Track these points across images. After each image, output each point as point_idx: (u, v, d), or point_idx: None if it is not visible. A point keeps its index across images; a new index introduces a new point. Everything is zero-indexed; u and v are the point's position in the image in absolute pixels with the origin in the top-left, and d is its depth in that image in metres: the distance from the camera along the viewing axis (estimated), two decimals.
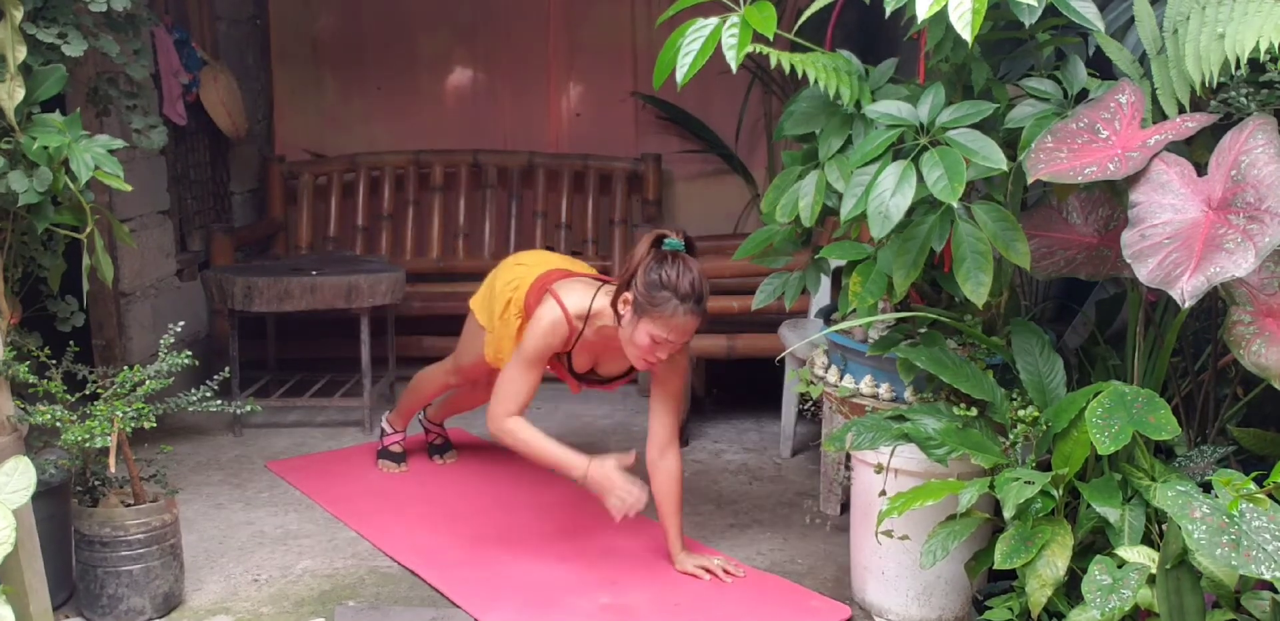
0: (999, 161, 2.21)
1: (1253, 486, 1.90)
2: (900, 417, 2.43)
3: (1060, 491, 2.23)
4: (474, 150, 5.16)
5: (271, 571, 2.95)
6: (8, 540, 2.11)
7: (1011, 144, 2.36)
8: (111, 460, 2.55)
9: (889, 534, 2.44)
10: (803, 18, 2.34)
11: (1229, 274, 1.92)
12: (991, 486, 2.23)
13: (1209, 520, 1.83)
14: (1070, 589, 2.22)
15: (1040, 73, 2.45)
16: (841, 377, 2.73)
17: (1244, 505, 1.85)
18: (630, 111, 5.30)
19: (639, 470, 2.83)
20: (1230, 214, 2.01)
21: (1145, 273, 2.01)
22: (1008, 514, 2.15)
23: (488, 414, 2.88)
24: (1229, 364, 2.49)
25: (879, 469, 2.54)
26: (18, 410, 2.52)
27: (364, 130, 5.30)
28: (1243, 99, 2.13)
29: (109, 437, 2.51)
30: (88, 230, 2.56)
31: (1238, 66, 2.04)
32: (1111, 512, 2.16)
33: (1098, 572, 2.01)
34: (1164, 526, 2.11)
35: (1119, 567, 2.02)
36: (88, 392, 2.64)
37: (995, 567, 2.22)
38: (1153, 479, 2.24)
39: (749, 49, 2.24)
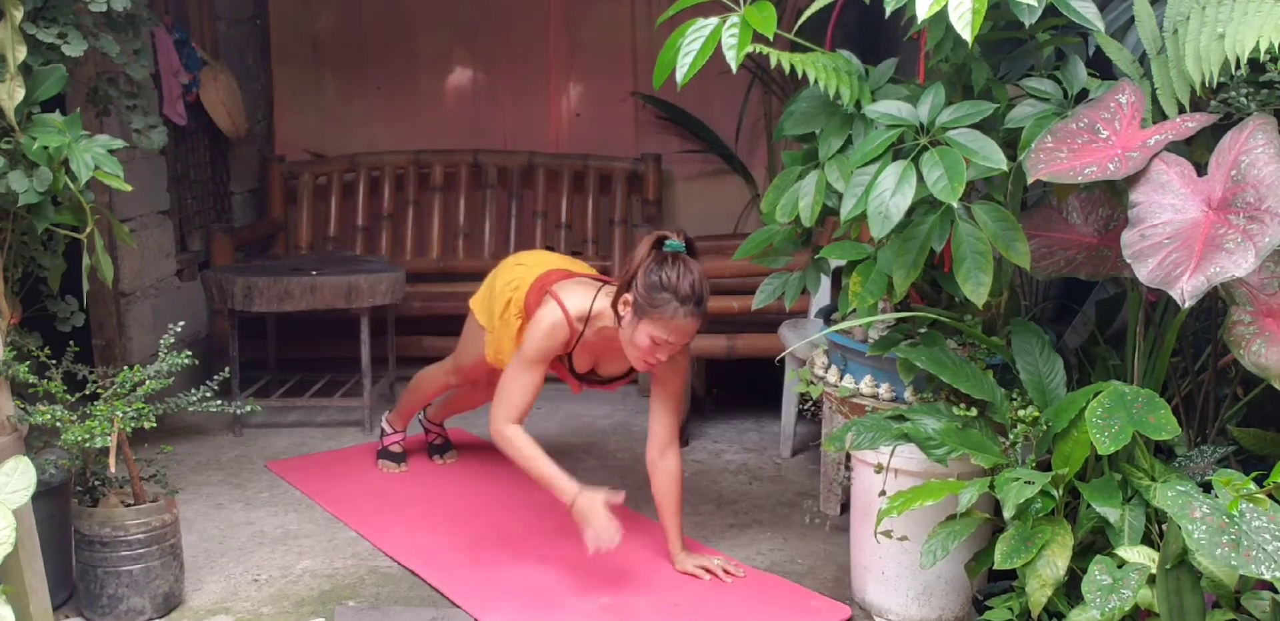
0: (999, 161, 2.21)
1: (1253, 486, 1.90)
2: (900, 417, 2.43)
3: (1060, 491, 2.23)
4: (474, 150, 5.16)
5: (271, 571, 2.95)
6: (8, 540, 2.11)
7: (1011, 144, 2.36)
8: (111, 460, 2.55)
9: (888, 534, 2.44)
10: (803, 18, 2.34)
11: (1229, 274, 1.92)
12: (991, 486, 2.23)
13: (1209, 520, 1.83)
14: (1070, 589, 2.22)
15: (1040, 73, 2.45)
16: (841, 377, 2.73)
17: (1244, 505, 1.85)
18: (630, 111, 5.30)
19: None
20: (1230, 214, 2.01)
21: (1145, 273, 2.01)
22: (1008, 514, 2.15)
23: (490, 416, 2.88)
24: (1229, 364, 2.49)
25: (879, 469, 2.54)
26: (18, 410, 2.52)
27: (364, 130, 5.30)
28: (1243, 99, 2.13)
29: (109, 437, 2.51)
30: (88, 230, 2.56)
31: (1238, 66, 2.04)
32: (1111, 512, 2.16)
33: (1098, 572, 2.01)
34: (1164, 526, 2.11)
35: (1119, 567, 2.02)
36: (88, 392, 2.64)
37: (995, 567, 2.22)
38: (1153, 479, 2.24)
39: (749, 49, 2.24)
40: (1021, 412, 2.38)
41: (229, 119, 4.66)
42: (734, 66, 2.25)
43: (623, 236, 5.06)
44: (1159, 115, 2.25)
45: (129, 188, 2.58)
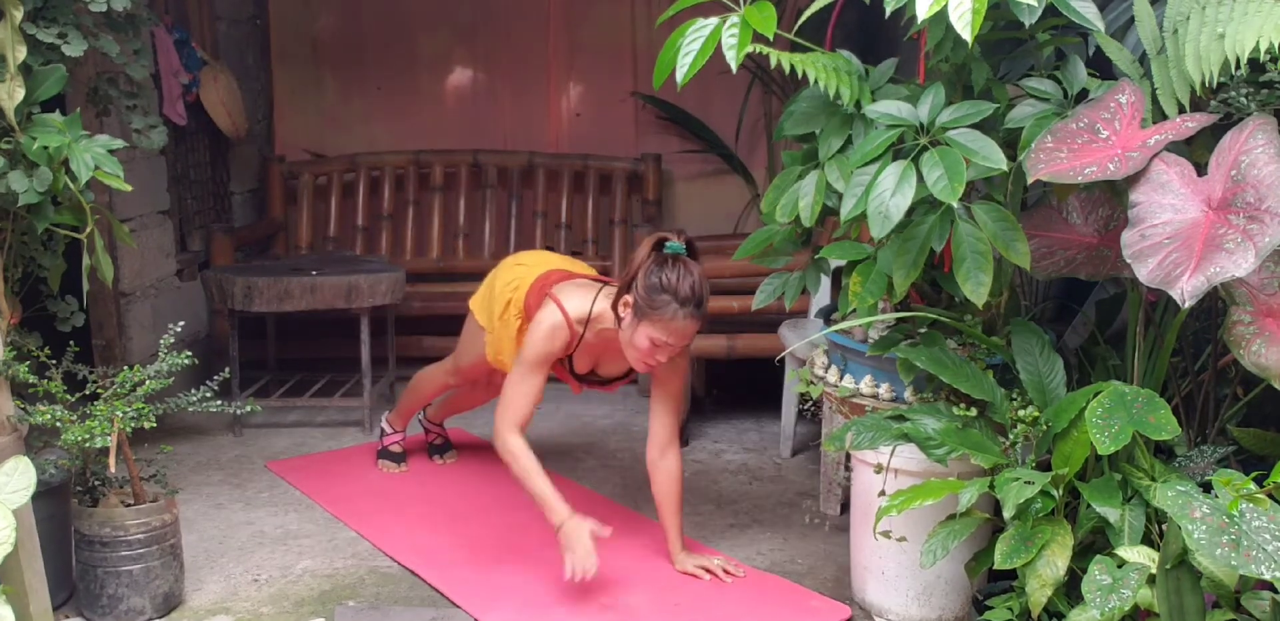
0: (999, 161, 2.21)
1: (1253, 486, 1.90)
2: (900, 417, 2.43)
3: (1060, 491, 2.23)
4: (474, 150, 5.16)
5: (271, 571, 2.95)
6: (8, 540, 2.11)
7: (1011, 144, 2.36)
8: (111, 460, 2.55)
9: (887, 534, 2.44)
10: (803, 18, 2.34)
11: (1229, 274, 1.92)
12: (991, 486, 2.23)
13: (1209, 520, 1.83)
14: (1070, 589, 2.22)
15: (1040, 73, 2.45)
16: (841, 377, 2.73)
17: (1244, 505, 1.85)
18: (630, 111, 5.30)
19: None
20: (1230, 214, 2.01)
21: (1145, 273, 2.01)
22: (1008, 514, 2.15)
23: (495, 421, 2.87)
24: (1229, 364, 2.49)
25: (879, 469, 2.54)
26: (18, 410, 2.52)
27: (364, 130, 5.30)
28: (1243, 99, 2.13)
29: (109, 437, 2.51)
30: (88, 230, 2.56)
31: (1238, 66, 2.04)
32: (1111, 512, 2.16)
33: (1098, 572, 2.01)
34: (1164, 526, 2.11)
35: (1119, 567, 2.02)
36: (88, 392, 2.64)
37: (995, 567, 2.22)
38: (1153, 479, 2.24)
39: (749, 49, 2.24)
40: (1021, 412, 2.38)
41: (229, 119, 4.66)
42: (734, 66, 2.25)
43: (623, 236, 5.06)
44: (1159, 115, 2.25)
45: (129, 188, 2.58)
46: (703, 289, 2.64)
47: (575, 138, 5.30)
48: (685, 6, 2.36)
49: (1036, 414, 2.37)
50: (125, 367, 2.64)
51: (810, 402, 3.13)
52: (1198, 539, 1.81)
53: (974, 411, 2.42)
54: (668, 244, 2.69)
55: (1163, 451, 2.44)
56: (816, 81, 2.32)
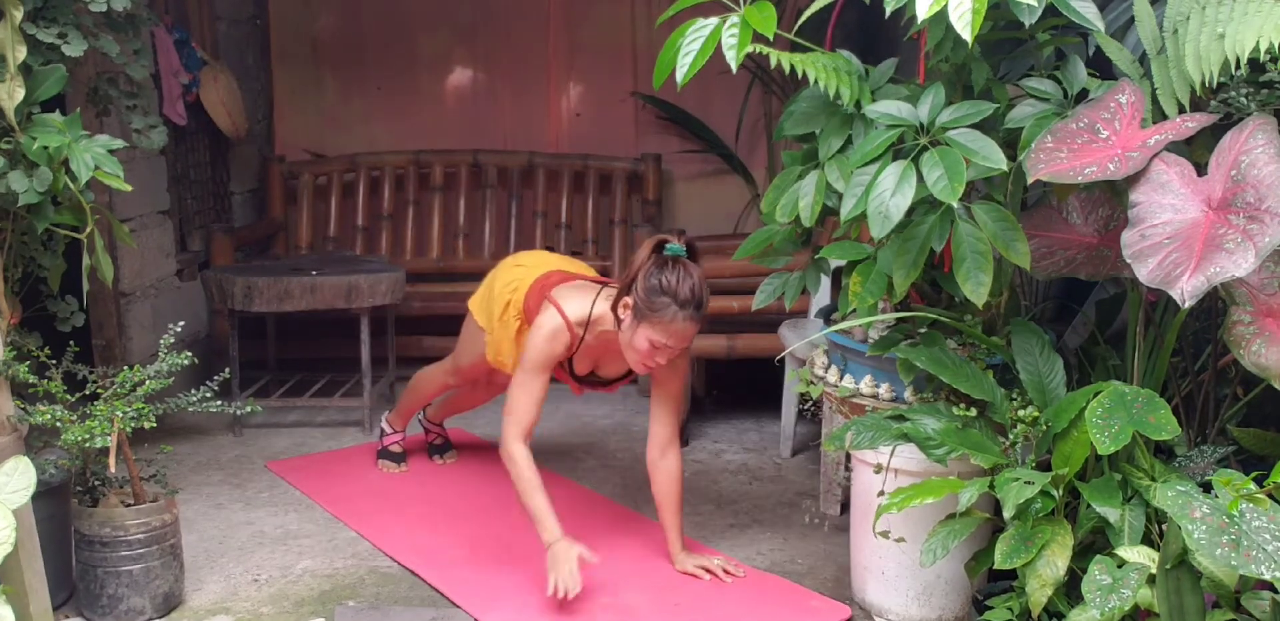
0: (999, 161, 2.21)
1: (1253, 486, 1.90)
2: (900, 417, 2.43)
3: (1060, 491, 2.23)
4: (474, 150, 5.16)
5: (271, 571, 2.95)
6: (8, 540, 2.11)
7: (1011, 144, 2.36)
8: (111, 460, 2.55)
9: (885, 534, 2.44)
10: (803, 18, 2.34)
11: (1229, 274, 1.92)
12: (991, 486, 2.23)
13: (1209, 520, 1.83)
14: (1070, 589, 2.22)
15: (1040, 73, 2.45)
16: (841, 377, 2.73)
17: (1244, 505, 1.85)
18: (630, 111, 5.30)
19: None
20: (1230, 214, 2.01)
21: (1145, 273, 2.01)
22: (1008, 514, 2.15)
23: (502, 429, 2.86)
24: (1229, 364, 2.49)
25: (879, 469, 2.54)
26: (18, 410, 2.52)
27: (364, 130, 5.30)
28: (1243, 99, 2.13)
29: (109, 437, 2.51)
30: (88, 230, 2.56)
31: (1238, 66, 2.04)
32: (1111, 512, 2.16)
33: (1098, 572, 2.01)
34: (1164, 526, 2.11)
35: (1119, 567, 2.02)
36: (88, 392, 2.64)
37: (995, 567, 2.23)
38: (1153, 479, 2.24)
39: (749, 49, 2.24)
40: (1021, 412, 2.38)
41: (229, 119, 4.66)
42: (734, 66, 2.25)
43: (623, 236, 5.07)
44: (1159, 115, 2.25)
45: (129, 188, 2.58)
46: (702, 291, 2.64)
47: (575, 138, 5.30)
48: (685, 6, 2.36)
49: (1036, 414, 2.37)
50: (125, 367, 2.64)
51: (810, 402, 3.13)
52: (1198, 539, 1.81)
53: (974, 411, 2.42)
54: (668, 246, 2.69)
55: (1163, 451, 2.44)
56: (816, 81, 2.32)
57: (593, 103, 5.31)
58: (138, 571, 2.62)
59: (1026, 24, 2.23)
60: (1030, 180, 2.19)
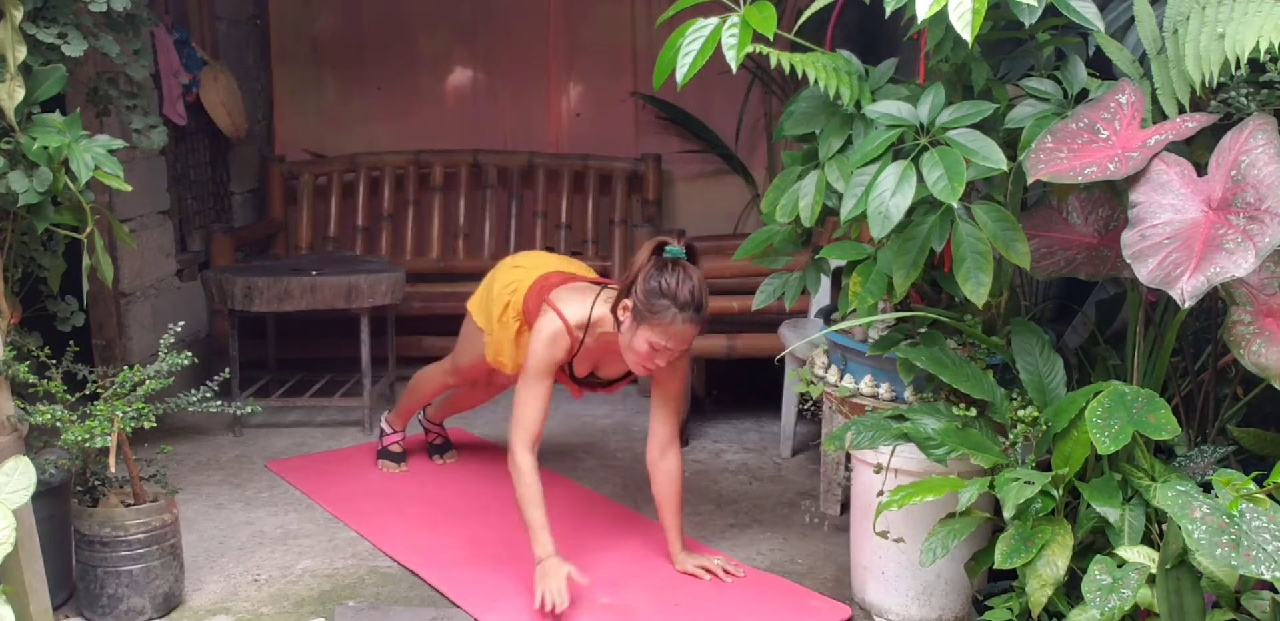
0: (999, 161, 2.21)
1: (1253, 486, 1.90)
2: (900, 417, 2.43)
3: (1060, 491, 2.23)
4: (474, 150, 5.16)
5: (271, 571, 2.95)
6: (8, 540, 2.11)
7: (1011, 144, 2.36)
8: (111, 460, 2.55)
9: (885, 534, 2.44)
10: (803, 18, 2.34)
11: (1229, 274, 1.92)
12: (991, 486, 2.23)
13: (1209, 520, 1.83)
14: (1070, 589, 2.22)
15: (1040, 73, 2.45)
16: (841, 377, 2.73)
17: (1244, 505, 1.85)
18: (630, 111, 5.30)
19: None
20: (1230, 214, 2.01)
21: (1145, 273, 2.01)
22: (1008, 514, 2.15)
23: (509, 435, 2.85)
24: (1229, 364, 2.49)
25: (879, 469, 2.54)
26: (18, 410, 2.52)
27: (364, 130, 5.30)
28: (1243, 99, 2.13)
29: (109, 437, 2.51)
30: (88, 230, 2.56)
31: (1238, 66, 2.04)
32: (1111, 512, 2.16)
33: (1098, 572, 2.01)
34: (1164, 526, 2.11)
35: (1119, 567, 2.02)
36: (88, 392, 2.64)
37: (995, 567, 2.22)
38: (1153, 479, 2.24)
39: (749, 49, 2.24)
40: (1021, 412, 2.38)
41: (229, 119, 4.66)
42: (734, 66, 2.25)
43: (623, 236, 5.06)
44: (1159, 115, 2.25)
45: (129, 188, 2.58)
46: (702, 294, 2.64)
47: (575, 138, 5.30)
48: (685, 6, 2.36)
49: (1036, 414, 2.37)
50: (125, 367, 2.64)
51: (810, 402, 3.13)
52: (1198, 539, 1.81)
53: (974, 411, 2.42)
54: (668, 248, 2.68)
55: (1163, 451, 2.44)
56: (816, 81, 2.32)
57: (593, 103, 5.31)
58: (138, 571, 2.62)
59: (1026, 24, 2.23)
60: (1030, 180, 2.19)
